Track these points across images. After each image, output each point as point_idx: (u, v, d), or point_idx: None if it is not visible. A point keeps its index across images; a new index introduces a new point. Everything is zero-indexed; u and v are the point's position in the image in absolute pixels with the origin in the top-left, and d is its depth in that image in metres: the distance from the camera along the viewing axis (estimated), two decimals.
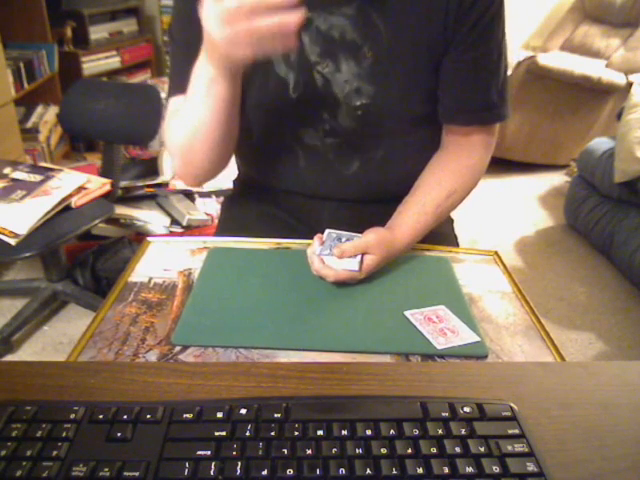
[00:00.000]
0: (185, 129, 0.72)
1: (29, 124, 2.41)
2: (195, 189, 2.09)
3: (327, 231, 0.73)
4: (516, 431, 0.44)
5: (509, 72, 0.80)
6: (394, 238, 0.72)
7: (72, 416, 0.43)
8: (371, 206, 0.84)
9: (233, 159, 0.93)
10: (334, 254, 0.67)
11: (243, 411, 0.44)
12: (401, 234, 0.74)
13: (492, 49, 0.74)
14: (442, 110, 0.79)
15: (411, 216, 0.76)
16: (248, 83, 0.75)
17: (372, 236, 0.70)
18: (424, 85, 0.76)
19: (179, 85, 0.75)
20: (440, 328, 0.63)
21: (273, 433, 0.43)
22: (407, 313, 0.65)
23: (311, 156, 0.81)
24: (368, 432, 0.43)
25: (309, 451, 0.41)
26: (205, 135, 0.71)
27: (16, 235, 1.35)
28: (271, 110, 0.79)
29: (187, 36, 0.73)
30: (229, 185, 1.03)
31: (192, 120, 0.70)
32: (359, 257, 0.68)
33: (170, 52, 0.79)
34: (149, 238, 0.81)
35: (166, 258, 0.76)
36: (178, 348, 0.59)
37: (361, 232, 0.73)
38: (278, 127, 0.80)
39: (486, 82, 0.76)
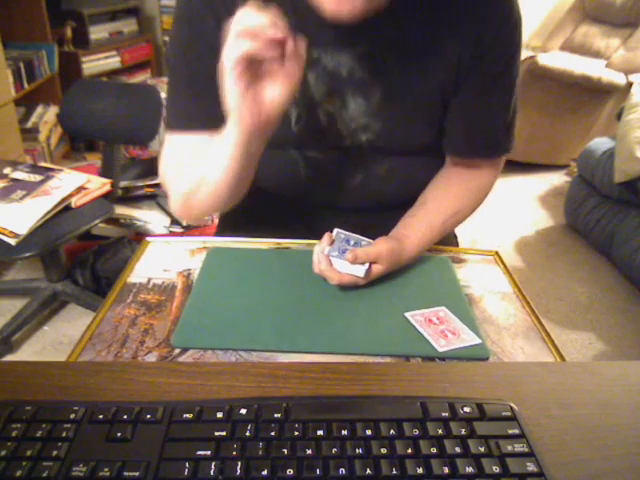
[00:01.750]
0: (193, 179, 0.70)
1: (29, 124, 2.41)
2: None
3: (336, 231, 0.72)
4: (516, 431, 0.44)
5: None
6: (402, 250, 0.72)
7: (72, 416, 0.43)
8: (373, 214, 0.83)
9: None
10: (346, 258, 0.67)
11: (243, 411, 0.44)
12: (410, 246, 0.73)
13: (503, 92, 0.74)
14: (446, 142, 0.79)
15: (419, 229, 0.75)
16: None
17: (385, 246, 0.69)
18: (432, 121, 0.76)
19: (180, 122, 0.74)
20: (441, 330, 0.63)
21: (273, 433, 0.42)
22: (408, 314, 0.65)
23: (313, 168, 0.80)
24: (368, 432, 0.43)
25: (309, 451, 0.41)
26: (214, 190, 0.69)
27: (16, 235, 1.35)
28: (272, 137, 0.78)
29: (191, 71, 0.71)
30: None
31: (203, 174, 0.69)
32: (367, 264, 0.68)
33: (169, 82, 0.75)
34: (148, 238, 0.81)
35: (165, 258, 0.76)
36: (177, 351, 0.59)
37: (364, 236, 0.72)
38: (279, 146, 0.78)
39: (493, 121, 0.76)
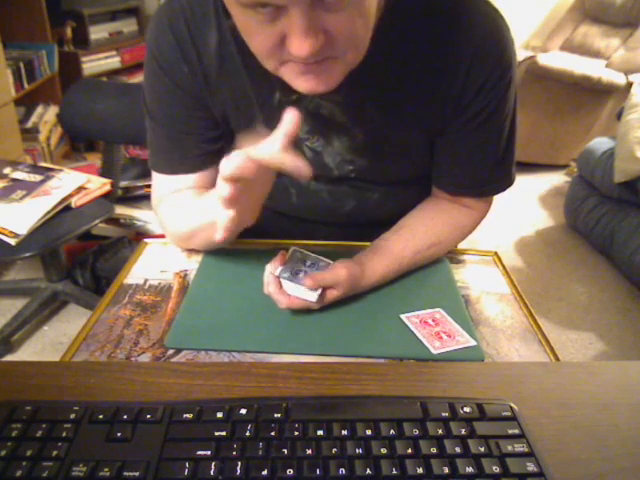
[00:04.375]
0: (187, 227, 0.72)
1: (29, 124, 2.41)
2: None
3: (292, 249, 0.67)
4: (516, 431, 0.44)
5: None
6: (363, 276, 0.66)
7: (72, 416, 0.43)
8: (369, 229, 0.81)
9: None
10: (304, 283, 0.61)
11: (243, 411, 0.44)
12: (371, 273, 0.68)
13: (493, 133, 0.70)
14: (433, 178, 0.77)
15: (386, 257, 0.70)
16: (234, 145, 0.74)
17: (344, 272, 0.63)
18: (420, 157, 0.74)
19: (163, 166, 0.75)
20: (436, 332, 0.62)
21: (273, 433, 0.43)
22: (403, 316, 0.64)
23: (304, 195, 0.78)
24: (368, 432, 0.43)
25: (309, 451, 0.41)
26: (210, 241, 0.69)
27: (16, 235, 1.35)
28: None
29: (169, 118, 0.71)
30: None
31: (196, 227, 0.70)
32: (320, 289, 0.62)
33: (148, 125, 0.74)
34: (146, 239, 0.81)
35: (163, 259, 0.76)
36: (171, 351, 0.58)
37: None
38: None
39: (481, 162, 0.73)
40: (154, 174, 0.77)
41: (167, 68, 0.67)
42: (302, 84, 0.55)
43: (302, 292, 0.62)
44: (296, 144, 0.71)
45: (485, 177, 0.75)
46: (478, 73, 0.64)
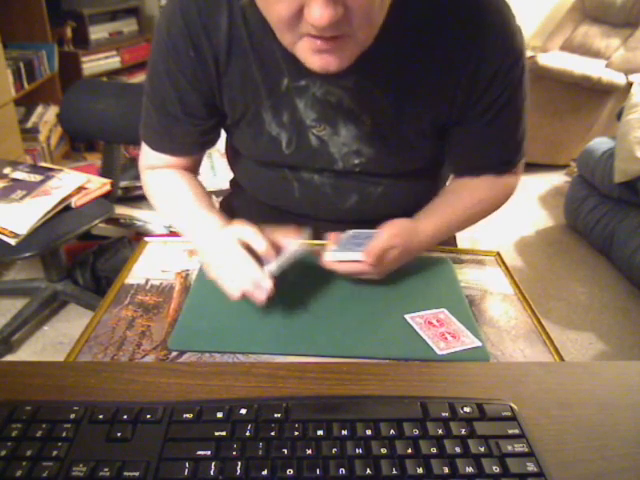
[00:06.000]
0: (171, 213, 0.78)
1: (29, 124, 2.41)
2: None
3: (346, 232, 0.72)
4: (516, 431, 0.44)
5: None
6: (416, 230, 0.70)
7: (72, 416, 0.43)
8: (368, 226, 0.83)
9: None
10: (365, 260, 0.65)
11: (243, 411, 0.44)
12: (423, 229, 0.71)
13: (508, 119, 0.71)
14: (450, 165, 0.79)
15: (437, 212, 0.74)
16: (241, 133, 0.75)
17: (392, 230, 0.67)
18: (426, 147, 0.75)
19: (152, 141, 0.78)
20: (441, 332, 0.62)
21: (273, 433, 0.43)
22: (407, 316, 0.64)
23: (307, 189, 0.79)
24: (368, 432, 0.43)
25: (309, 451, 0.41)
26: None
27: (16, 235, 1.35)
28: (265, 159, 0.78)
29: (163, 99, 0.72)
30: (227, 185, 1.02)
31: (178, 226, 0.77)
32: (362, 247, 0.65)
33: (144, 102, 0.76)
34: (146, 238, 0.81)
35: (164, 259, 0.76)
36: (174, 354, 0.58)
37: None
38: (273, 168, 0.79)
39: (498, 145, 0.74)
40: (143, 144, 0.80)
41: (174, 53, 0.68)
42: (316, 61, 0.56)
43: (349, 255, 0.66)
44: (303, 130, 0.72)
45: (501, 157, 0.76)
46: (488, 63, 0.65)
